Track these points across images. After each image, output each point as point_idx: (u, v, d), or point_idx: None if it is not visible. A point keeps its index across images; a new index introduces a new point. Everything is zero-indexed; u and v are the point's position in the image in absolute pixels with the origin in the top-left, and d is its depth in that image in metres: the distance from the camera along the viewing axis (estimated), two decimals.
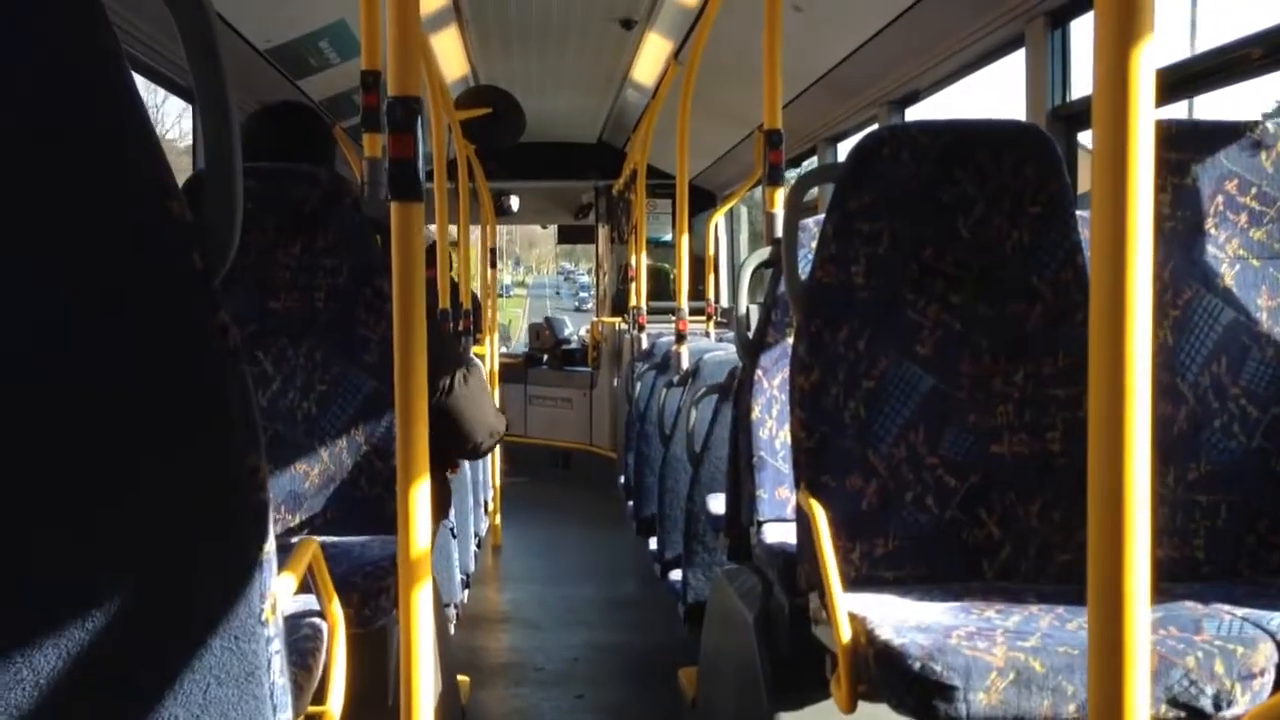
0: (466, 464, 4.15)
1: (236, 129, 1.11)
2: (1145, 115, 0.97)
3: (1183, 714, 1.64)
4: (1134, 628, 1.00)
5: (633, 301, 6.49)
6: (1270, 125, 2.20)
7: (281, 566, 1.24)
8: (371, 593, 1.97)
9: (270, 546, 1.09)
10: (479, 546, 5.21)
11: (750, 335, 2.87)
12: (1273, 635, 1.73)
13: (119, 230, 1.01)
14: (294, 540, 1.52)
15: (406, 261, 1.56)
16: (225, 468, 1.04)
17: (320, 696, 1.51)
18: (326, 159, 2.53)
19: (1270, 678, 1.67)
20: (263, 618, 1.07)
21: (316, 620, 1.60)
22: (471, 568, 4.89)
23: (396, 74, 1.56)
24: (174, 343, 1.03)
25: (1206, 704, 1.63)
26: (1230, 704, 1.63)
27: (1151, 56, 0.98)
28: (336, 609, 1.62)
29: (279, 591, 1.13)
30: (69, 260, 1.00)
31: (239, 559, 1.06)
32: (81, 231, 1.00)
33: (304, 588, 1.48)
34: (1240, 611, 1.82)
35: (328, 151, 2.55)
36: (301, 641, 1.52)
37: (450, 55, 6.26)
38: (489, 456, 5.78)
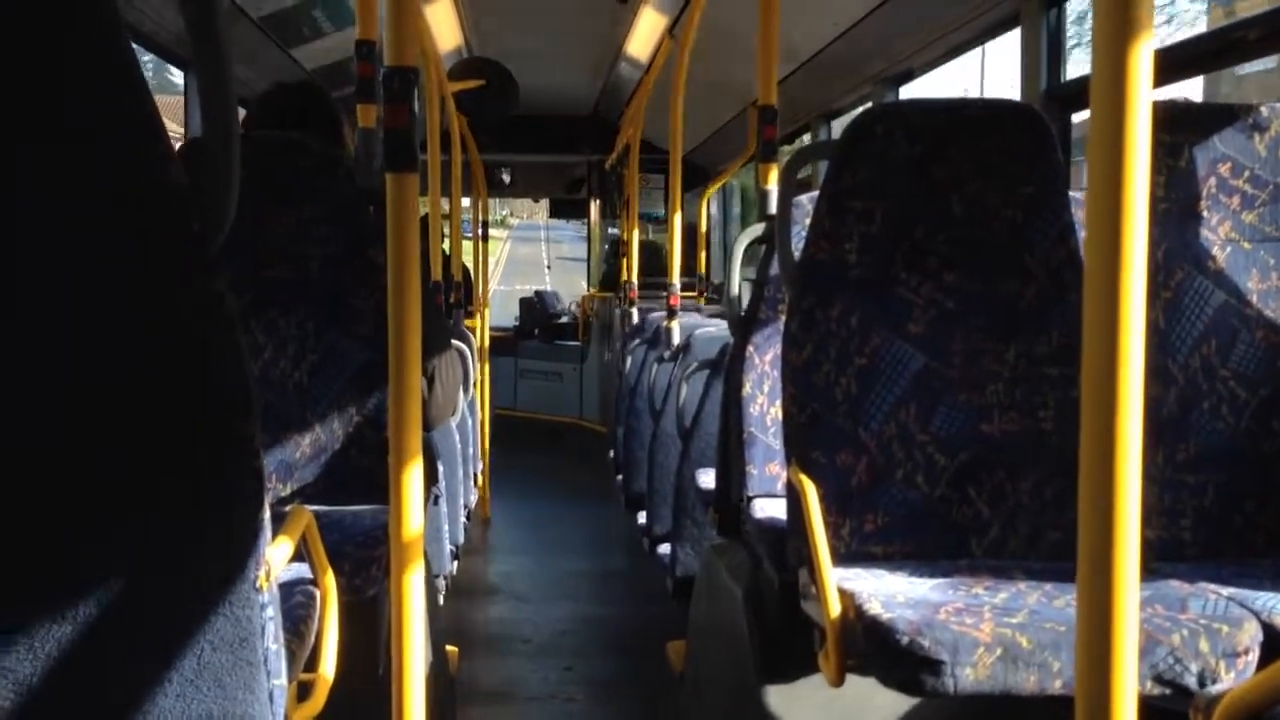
0: (456, 436, 4.16)
1: (234, 95, 1.11)
2: (1143, 97, 0.98)
3: (1168, 691, 1.65)
4: (1123, 605, 1.01)
5: (624, 276, 6.49)
6: (1265, 109, 2.21)
7: (275, 535, 1.24)
8: (363, 563, 1.98)
9: (265, 514, 1.09)
10: (468, 519, 5.23)
11: (742, 311, 2.87)
12: (1257, 614, 1.74)
13: (116, 196, 1.01)
14: (286, 510, 1.53)
15: (401, 232, 1.56)
16: (220, 435, 1.05)
17: (312, 664, 1.52)
18: (334, 140, 2.53)
19: (1255, 656, 1.68)
20: (257, 584, 1.08)
21: (309, 588, 1.61)
22: (461, 539, 4.90)
23: (393, 44, 1.55)
24: (171, 309, 1.03)
25: (1191, 681, 1.65)
26: (1215, 681, 1.65)
27: (1150, 37, 0.98)
28: (329, 578, 1.63)
29: (273, 559, 1.13)
30: (65, 226, 1.00)
31: (234, 526, 1.06)
32: (78, 198, 1.00)
33: (297, 556, 1.49)
34: (1226, 591, 1.83)
35: (336, 133, 2.55)
36: (295, 609, 1.52)
37: (444, 26, 6.23)
38: (478, 429, 5.79)
